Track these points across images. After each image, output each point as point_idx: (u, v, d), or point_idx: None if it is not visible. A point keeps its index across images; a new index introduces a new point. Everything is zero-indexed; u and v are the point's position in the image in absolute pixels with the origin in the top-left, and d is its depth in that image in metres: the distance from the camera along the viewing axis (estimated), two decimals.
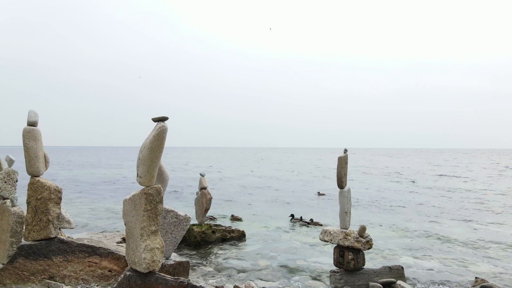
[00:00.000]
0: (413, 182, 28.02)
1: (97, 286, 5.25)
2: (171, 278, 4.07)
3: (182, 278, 4.09)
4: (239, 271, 7.31)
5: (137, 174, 4.10)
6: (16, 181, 6.64)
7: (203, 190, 9.36)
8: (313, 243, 9.69)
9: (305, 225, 12.03)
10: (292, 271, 7.49)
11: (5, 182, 6.42)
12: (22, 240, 6.50)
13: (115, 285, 4.13)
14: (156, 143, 3.93)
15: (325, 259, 8.25)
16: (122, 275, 4.14)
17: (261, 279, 6.91)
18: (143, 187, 4.08)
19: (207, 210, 9.42)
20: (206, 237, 9.15)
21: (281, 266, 7.79)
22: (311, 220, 12.28)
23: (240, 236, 9.81)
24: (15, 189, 6.62)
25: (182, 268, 5.91)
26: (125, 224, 4.29)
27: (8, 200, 6.45)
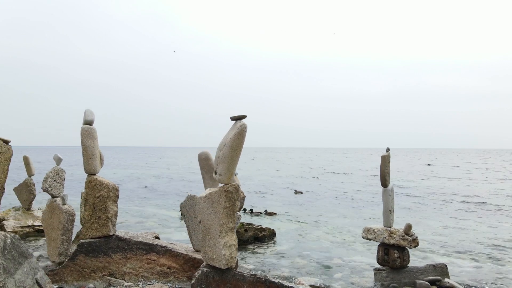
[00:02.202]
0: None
1: (157, 282, 5.32)
2: (248, 274, 4.15)
3: (259, 274, 4.17)
4: (280, 269, 7.39)
5: (215, 172, 4.18)
6: (64, 179, 6.71)
7: None
8: (342, 242, 9.79)
9: (258, 214, 13.77)
10: (331, 269, 7.58)
11: (55, 180, 6.49)
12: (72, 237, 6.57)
13: (193, 281, 4.20)
14: (237, 141, 4.00)
15: (360, 258, 8.35)
16: (200, 271, 4.22)
17: (302, 277, 6.99)
18: (221, 184, 4.16)
19: (240, 208, 9.49)
20: (239, 236, 9.21)
21: (319, 264, 7.87)
22: (265, 211, 14.06)
23: (271, 235, 9.90)
24: (63, 187, 6.70)
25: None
26: (199, 222, 4.37)
27: (59, 198, 6.53)
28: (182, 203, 5.88)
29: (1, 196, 4.28)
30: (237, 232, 9.21)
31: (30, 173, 10.56)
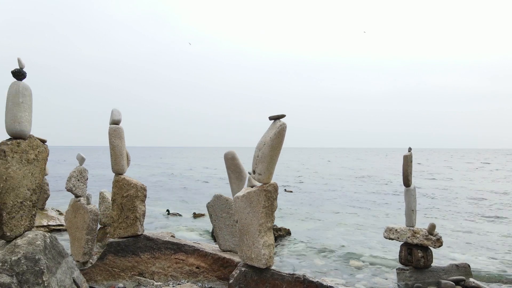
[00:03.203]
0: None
1: (187, 282, 5.31)
2: (287, 273, 4.15)
3: (297, 274, 4.17)
4: (301, 269, 7.40)
5: (254, 171, 4.18)
6: (87, 179, 6.71)
7: None
8: (359, 241, 9.81)
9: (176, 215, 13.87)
10: (352, 269, 7.59)
11: (78, 180, 6.49)
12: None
13: (231, 280, 4.20)
14: (277, 140, 4.01)
15: (377, 257, 8.37)
16: (238, 271, 4.22)
17: (326, 277, 7.00)
18: (260, 184, 4.16)
19: None
20: None
21: (339, 264, 7.89)
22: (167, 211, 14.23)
23: (287, 234, 9.90)
24: (87, 187, 6.69)
25: None
26: (236, 222, 4.37)
27: (83, 198, 6.52)
28: (209, 202, 5.88)
29: (40, 196, 4.28)
30: None
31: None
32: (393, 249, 8.88)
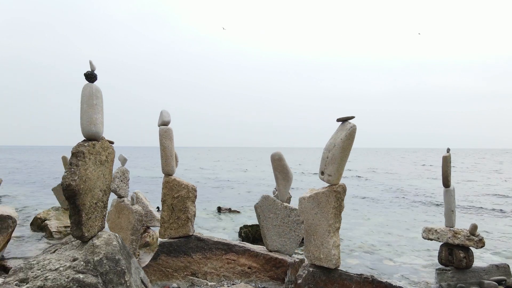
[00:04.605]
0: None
1: (240, 282, 5.35)
2: (355, 274, 4.19)
3: (365, 274, 4.21)
4: None
5: (322, 172, 4.22)
6: (129, 179, 6.74)
7: None
8: (387, 242, 9.87)
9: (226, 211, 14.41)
10: (386, 269, 7.64)
11: (121, 181, 6.52)
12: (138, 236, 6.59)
13: (300, 281, 4.24)
14: (348, 142, 4.05)
15: (409, 259, 8.41)
16: (306, 271, 4.26)
17: None
18: (328, 184, 4.20)
19: None
20: None
21: (371, 264, 7.93)
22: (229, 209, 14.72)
23: None
24: (129, 187, 6.72)
25: (299, 265, 6.04)
26: (301, 222, 4.40)
27: (126, 199, 6.55)
28: (257, 203, 5.91)
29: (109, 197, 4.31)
30: None
31: None
32: (419, 248, 8.96)
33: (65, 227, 9.66)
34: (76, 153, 3.71)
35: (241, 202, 17.24)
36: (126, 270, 3.65)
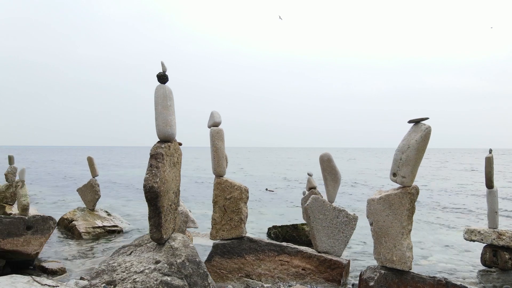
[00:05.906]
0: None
1: (296, 283, 5.31)
2: (428, 276, 4.16)
3: (439, 277, 4.18)
4: None
5: (394, 174, 4.18)
6: None
7: (312, 189, 9.42)
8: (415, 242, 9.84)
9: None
10: (423, 268, 7.61)
11: None
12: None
13: (372, 283, 4.20)
14: (423, 143, 4.02)
15: (442, 257, 8.39)
16: (377, 274, 4.22)
17: None
18: (400, 186, 4.16)
19: None
20: (304, 235, 9.17)
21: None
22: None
23: None
24: None
25: (349, 267, 6.01)
26: (370, 224, 4.37)
27: None
28: (307, 204, 5.87)
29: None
30: (302, 230, 9.18)
31: (94, 173, 10.47)
32: (445, 248, 8.94)
33: (93, 227, 9.60)
34: (155, 154, 3.67)
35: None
36: (208, 273, 3.61)
